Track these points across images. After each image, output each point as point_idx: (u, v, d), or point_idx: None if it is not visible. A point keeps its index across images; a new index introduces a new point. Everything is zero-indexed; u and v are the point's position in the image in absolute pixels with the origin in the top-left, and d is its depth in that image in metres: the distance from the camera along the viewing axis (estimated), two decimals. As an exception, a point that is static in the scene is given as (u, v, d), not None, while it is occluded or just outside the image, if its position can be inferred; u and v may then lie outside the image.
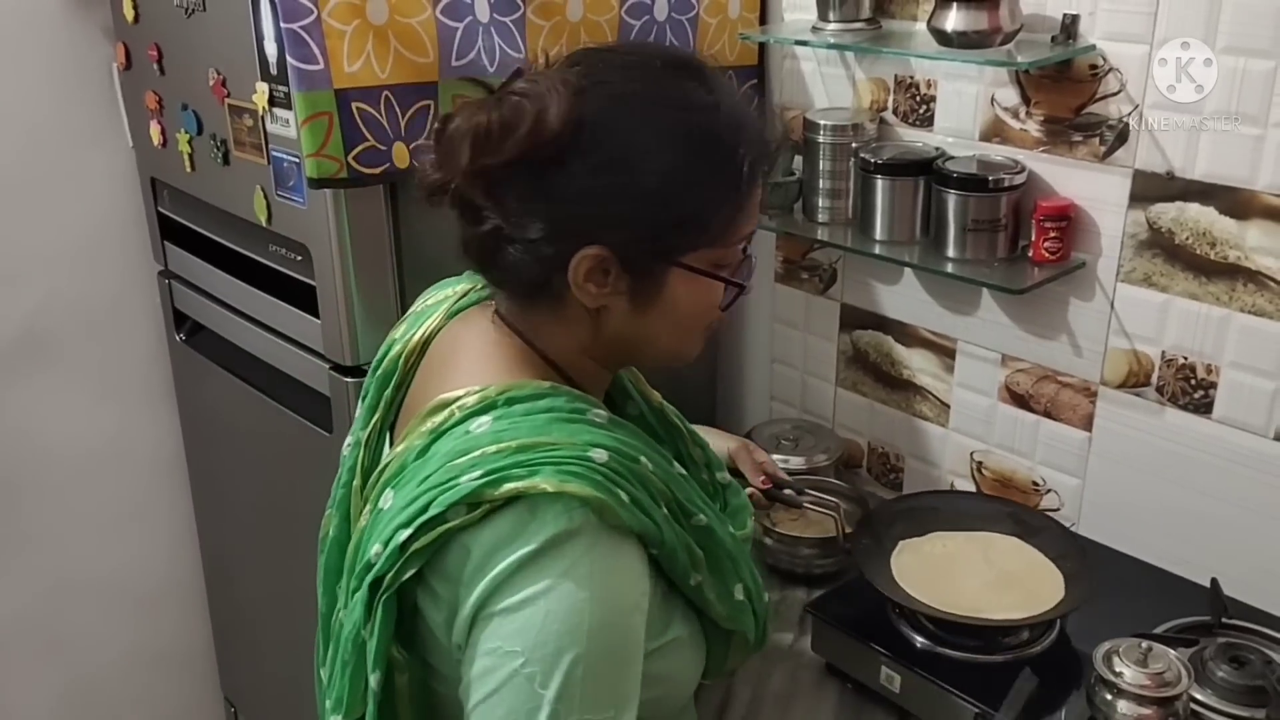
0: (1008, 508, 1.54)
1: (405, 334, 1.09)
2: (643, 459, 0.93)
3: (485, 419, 0.91)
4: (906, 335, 1.78)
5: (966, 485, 1.77)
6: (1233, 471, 1.45)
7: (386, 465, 0.97)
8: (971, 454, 1.75)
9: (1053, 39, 1.44)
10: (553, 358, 0.99)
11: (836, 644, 1.41)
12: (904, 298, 1.77)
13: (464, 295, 1.10)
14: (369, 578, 0.90)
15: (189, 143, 1.73)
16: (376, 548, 0.90)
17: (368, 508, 0.97)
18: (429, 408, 0.95)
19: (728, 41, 1.77)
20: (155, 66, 1.75)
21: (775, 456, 1.77)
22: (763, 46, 1.82)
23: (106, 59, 1.93)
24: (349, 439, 1.11)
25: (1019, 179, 1.52)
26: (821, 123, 1.68)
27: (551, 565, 0.85)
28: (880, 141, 1.69)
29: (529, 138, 0.87)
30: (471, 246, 0.96)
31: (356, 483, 1.06)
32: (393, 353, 1.09)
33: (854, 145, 1.66)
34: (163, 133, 1.81)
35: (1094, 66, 1.44)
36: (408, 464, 0.93)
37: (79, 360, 2.08)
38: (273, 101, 1.47)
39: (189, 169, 1.76)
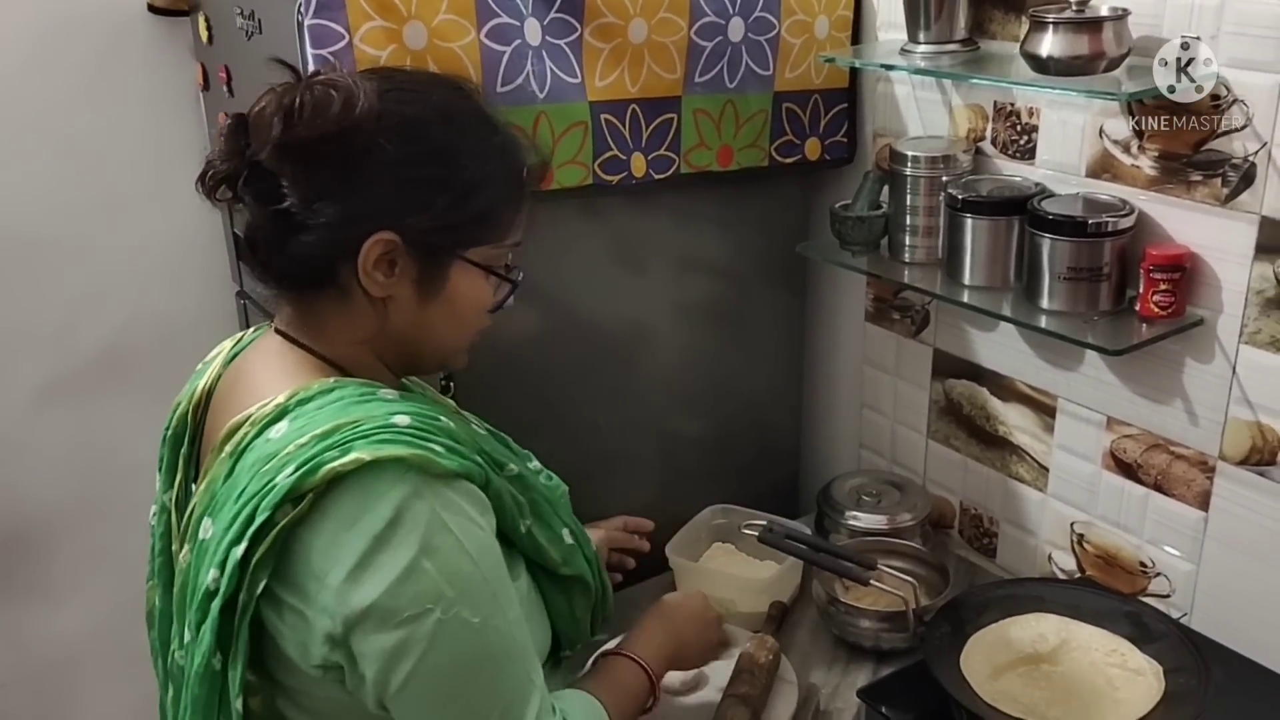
0: (1126, 605, 1.34)
1: (187, 392, 1.09)
2: (443, 419, 0.97)
3: (282, 424, 0.93)
4: (1002, 388, 1.61)
5: (1066, 559, 1.58)
6: (1372, 571, 1.24)
7: (196, 502, 0.97)
8: (1072, 525, 1.56)
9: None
10: (335, 359, 1.01)
11: (891, 739, 1.27)
12: (1001, 346, 1.59)
13: (238, 342, 1.12)
14: (216, 604, 0.90)
15: (252, 166, 1.69)
16: (213, 573, 0.90)
17: (186, 547, 0.96)
18: (224, 433, 0.96)
19: (813, 63, 1.63)
20: (225, 88, 1.72)
21: (850, 514, 1.64)
22: (852, 69, 1.67)
23: (192, 78, 1.92)
24: (154, 508, 1.11)
25: (1125, 222, 1.33)
26: (909, 153, 1.52)
27: (410, 530, 0.88)
28: (976, 175, 1.52)
29: (340, 117, 0.91)
30: (258, 238, 0.97)
31: (175, 547, 1.04)
32: (179, 412, 1.09)
33: (944, 179, 1.50)
34: (233, 154, 1.78)
35: (1216, 97, 1.25)
36: (217, 492, 0.94)
37: (159, 378, 2.06)
38: (315, 128, 1.41)
39: (254, 192, 1.72)
